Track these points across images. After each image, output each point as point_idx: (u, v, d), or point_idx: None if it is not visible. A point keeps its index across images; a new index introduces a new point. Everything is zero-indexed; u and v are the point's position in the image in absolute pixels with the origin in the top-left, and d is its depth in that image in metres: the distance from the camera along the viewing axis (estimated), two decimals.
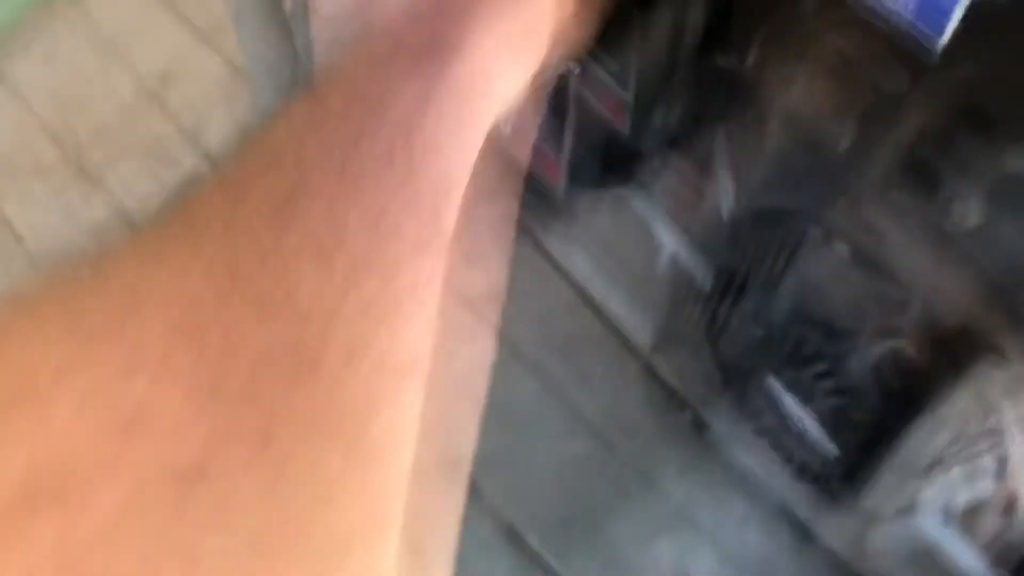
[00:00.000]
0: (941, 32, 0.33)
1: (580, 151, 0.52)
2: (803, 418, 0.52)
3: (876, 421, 0.47)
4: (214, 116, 1.21)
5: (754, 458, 0.65)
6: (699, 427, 0.73)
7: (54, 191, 1.20)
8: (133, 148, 1.21)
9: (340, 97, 0.28)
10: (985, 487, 0.51)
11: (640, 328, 0.73)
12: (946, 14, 0.33)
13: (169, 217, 0.25)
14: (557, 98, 0.47)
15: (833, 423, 0.51)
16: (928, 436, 0.46)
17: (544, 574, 0.76)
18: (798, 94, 0.45)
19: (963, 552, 0.54)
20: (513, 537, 0.78)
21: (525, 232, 0.74)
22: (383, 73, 0.28)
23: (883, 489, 0.50)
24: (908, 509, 0.52)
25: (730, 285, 0.52)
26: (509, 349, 0.79)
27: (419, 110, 0.28)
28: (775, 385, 0.53)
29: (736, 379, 0.58)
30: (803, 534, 0.67)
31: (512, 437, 0.77)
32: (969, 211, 0.40)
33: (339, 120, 0.27)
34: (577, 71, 0.46)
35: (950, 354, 0.45)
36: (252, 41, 0.55)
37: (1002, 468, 0.49)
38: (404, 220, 0.26)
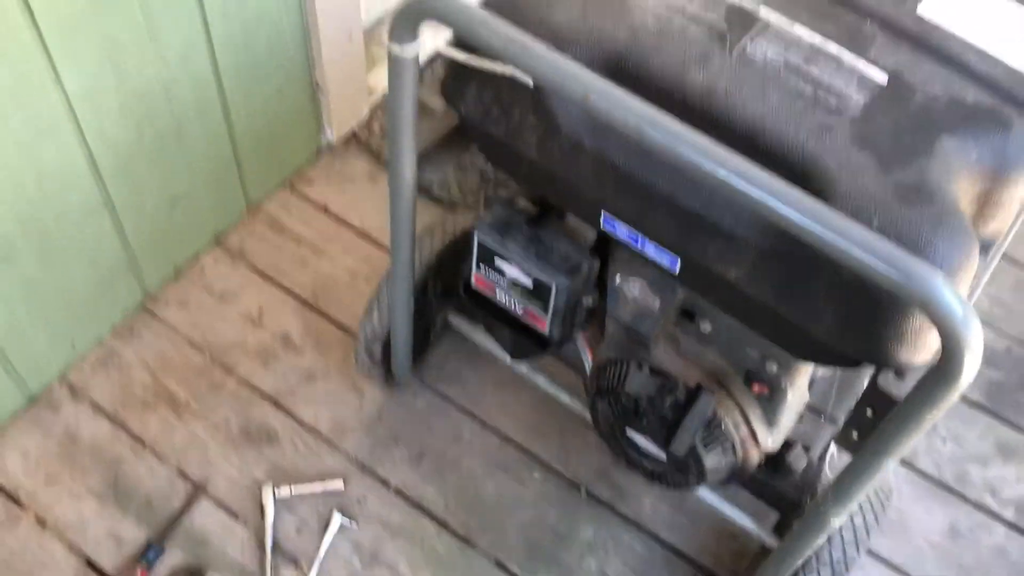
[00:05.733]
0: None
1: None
2: (645, 443, 1.22)
3: (672, 429, 1.17)
4: None
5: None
6: (589, 495, 1.42)
7: None
8: None
9: None
10: (731, 457, 1.22)
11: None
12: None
13: None
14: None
15: (658, 439, 1.21)
16: (690, 432, 1.16)
17: None
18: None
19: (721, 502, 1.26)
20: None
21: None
22: None
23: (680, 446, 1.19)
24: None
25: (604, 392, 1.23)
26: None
27: None
28: (632, 433, 1.23)
29: (613, 443, 1.27)
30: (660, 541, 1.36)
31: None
32: (705, 327, 1.13)
33: None
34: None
35: (696, 394, 1.17)
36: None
37: (737, 448, 1.21)
38: None
